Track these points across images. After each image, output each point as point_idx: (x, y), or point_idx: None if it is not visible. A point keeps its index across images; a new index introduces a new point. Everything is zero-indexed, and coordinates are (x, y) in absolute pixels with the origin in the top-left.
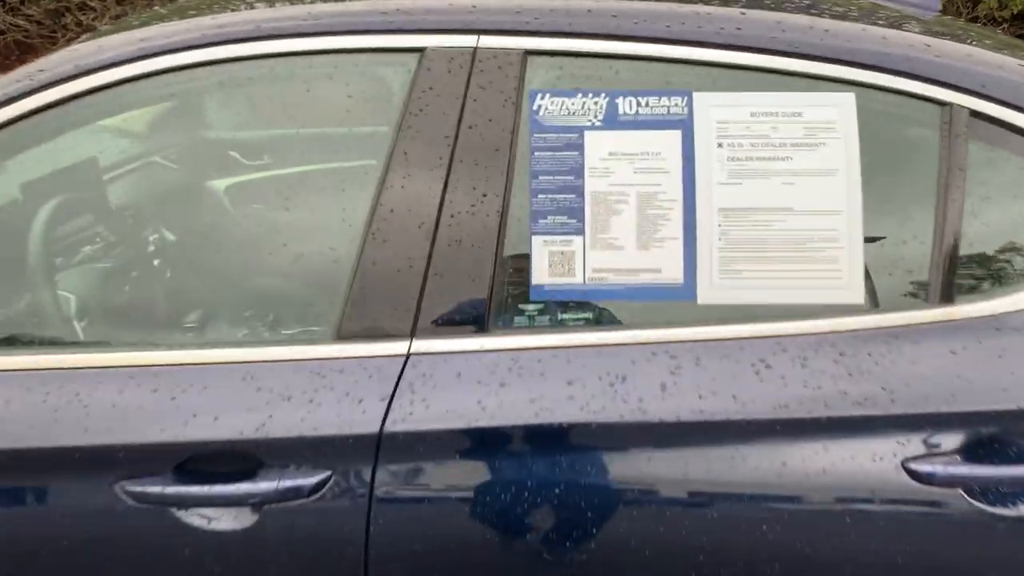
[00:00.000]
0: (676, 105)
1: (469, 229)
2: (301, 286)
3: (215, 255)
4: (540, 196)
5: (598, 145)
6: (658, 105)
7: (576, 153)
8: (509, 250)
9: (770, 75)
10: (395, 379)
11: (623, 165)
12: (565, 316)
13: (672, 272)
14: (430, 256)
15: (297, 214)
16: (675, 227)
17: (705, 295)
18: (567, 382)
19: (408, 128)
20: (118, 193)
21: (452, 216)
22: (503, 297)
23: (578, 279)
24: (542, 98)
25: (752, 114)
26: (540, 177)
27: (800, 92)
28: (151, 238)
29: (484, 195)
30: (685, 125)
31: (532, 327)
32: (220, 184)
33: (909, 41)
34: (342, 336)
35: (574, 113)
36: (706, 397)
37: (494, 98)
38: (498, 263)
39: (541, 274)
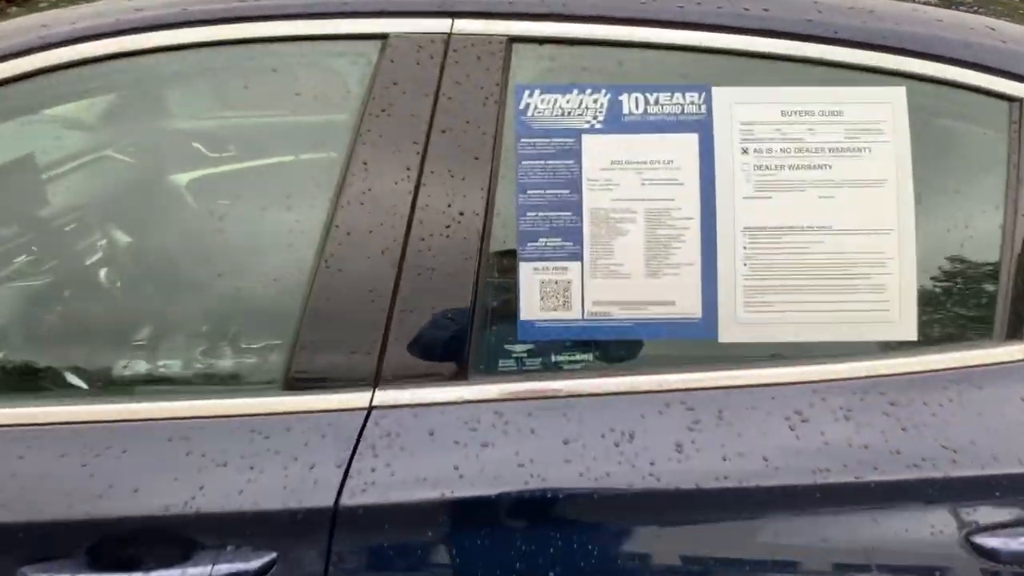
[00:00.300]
0: (692, 103)
1: (443, 254)
2: (240, 323)
3: (130, 287)
4: (529, 214)
5: (598, 152)
6: (670, 103)
7: (572, 162)
8: (492, 280)
9: (804, 66)
10: (354, 439)
11: (629, 176)
12: (560, 359)
13: (688, 305)
14: (396, 287)
15: (234, 237)
16: (691, 250)
17: (728, 332)
18: (563, 441)
19: (368, 132)
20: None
21: (423, 239)
22: (485, 336)
23: (575, 314)
24: (531, 95)
25: (783, 113)
26: (529, 191)
27: (840, 87)
28: (81, 252)
29: (461, 213)
30: (703, 127)
31: (520, 372)
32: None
33: (970, 23)
34: (290, 385)
35: (569, 113)
36: (731, 459)
37: (472, 95)
38: (479, 295)
39: (531, 308)
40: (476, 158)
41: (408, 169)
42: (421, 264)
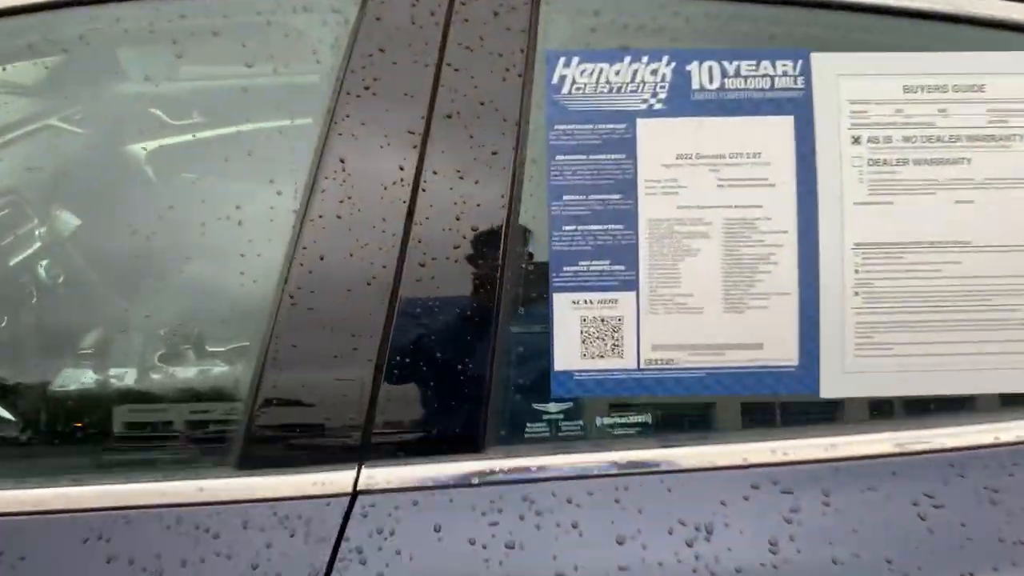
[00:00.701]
0: (785, 75)
1: (450, 283)
2: (181, 378)
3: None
4: (566, 229)
5: (660, 143)
6: (756, 75)
7: (623, 156)
8: (515, 317)
9: (933, 23)
10: (332, 538)
11: (701, 175)
12: (608, 422)
13: (780, 348)
14: (387, 328)
15: (168, 262)
16: (785, 275)
17: (833, 385)
18: (616, 539)
19: (345, 119)
20: None
21: (422, 264)
22: (506, 392)
23: (629, 361)
24: (566, 65)
25: (907, 89)
26: (565, 198)
27: (983, 51)
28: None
29: (474, 229)
30: (799, 108)
31: (555, 441)
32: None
33: None
34: (246, 462)
35: (620, 89)
36: (844, 561)
37: (487, 65)
38: (497, 338)
39: (569, 355)
40: (493, 153)
41: (401, 169)
42: (420, 297)
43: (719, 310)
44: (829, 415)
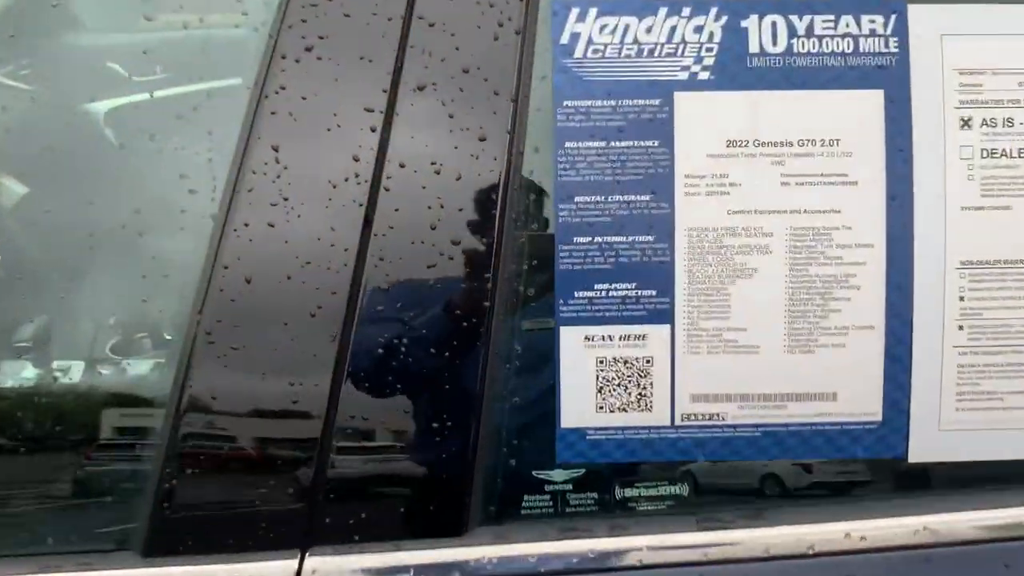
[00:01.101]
0: (873, 34)
1: (421, 308)
2: (70, 443)
3: None
4: (577, 241)
5: (704, 125)
6: (834, 34)
7: (655, 143)
8: (509, 358)
9: None
10: None
11: (760, 170)
12: (632, 495)
13: (859, 399)
14: (339, 376)
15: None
16: (868, 304)
17: (927, 445)
18: None
19: (279, 92)
20: None
21: (385, 290)
22: (498, 456)
23: (660, 416)
24: (580, 18)
25: None
26: (576, 199)
27: None
28: None
29: (455, 244)
30: (892, 79)
31: (561, 521)
32: None
33: None
34: (155, 548)
35: (652, 52)
36: None
37: (472, 18)
38: (486, 385)
39: (580, 407)
40: (481, 139)
41: (356, 161)
42: (382, 332)
43: (780, 349)
44: (921, 485)
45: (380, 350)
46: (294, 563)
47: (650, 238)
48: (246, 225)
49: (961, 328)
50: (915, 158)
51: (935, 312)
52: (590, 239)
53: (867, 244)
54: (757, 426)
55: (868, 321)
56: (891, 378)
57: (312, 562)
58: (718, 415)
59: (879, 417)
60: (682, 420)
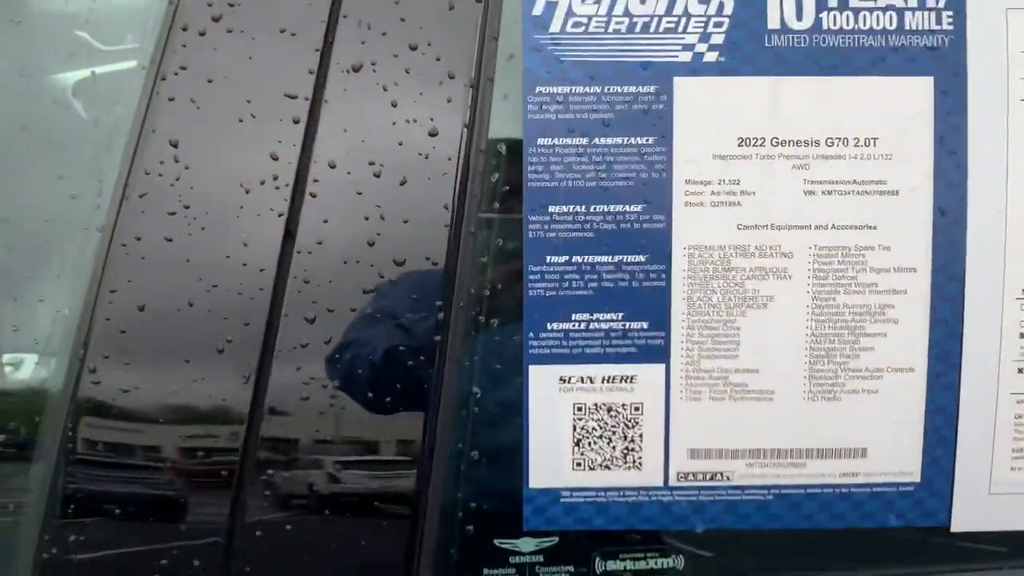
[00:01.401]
0: (921, 7)
1: (356, 350)
2: None
3: None
4: (551, 261)
5: (711, 119)
6: (873, 7)
7: (650, 140)
8: (464, 403)
9: None
10: None
11: (779, 174)
12: (615, 568)
13: (894, 455)
14: (254, 422)
15: None
16: (907, 340)
17: (974, 512)
18: None
19: (179, 74)
20: None
21: (311, 320)
22: (451, 522)
23: (652, 475)
24: None
25: None
26: (551, 208)
27: None
28: None
29: (398, 264)
30: (944, 64)
31: None
32: None
33: None
34: None
35: (646, 27)
36: None
37: None
38: (437, 435)
39: (553, 463)
40: (432, 134)
41: (275, 160)
42: (306, 367)
43: (800, 396)
44: (966, 558)
45: (305, 395)
46: None
47: (642, 258)
48: (138, 239)
49: (1021, 371)
50: (971, 163)
51: (990, 352)
52: (567, 259)
53: (908, 268)
54: (770, 488)
55: (907, 362)
56: (933, 431)
57: None
58: (722, 474)
59: (917, 478)
60: (678, 480)
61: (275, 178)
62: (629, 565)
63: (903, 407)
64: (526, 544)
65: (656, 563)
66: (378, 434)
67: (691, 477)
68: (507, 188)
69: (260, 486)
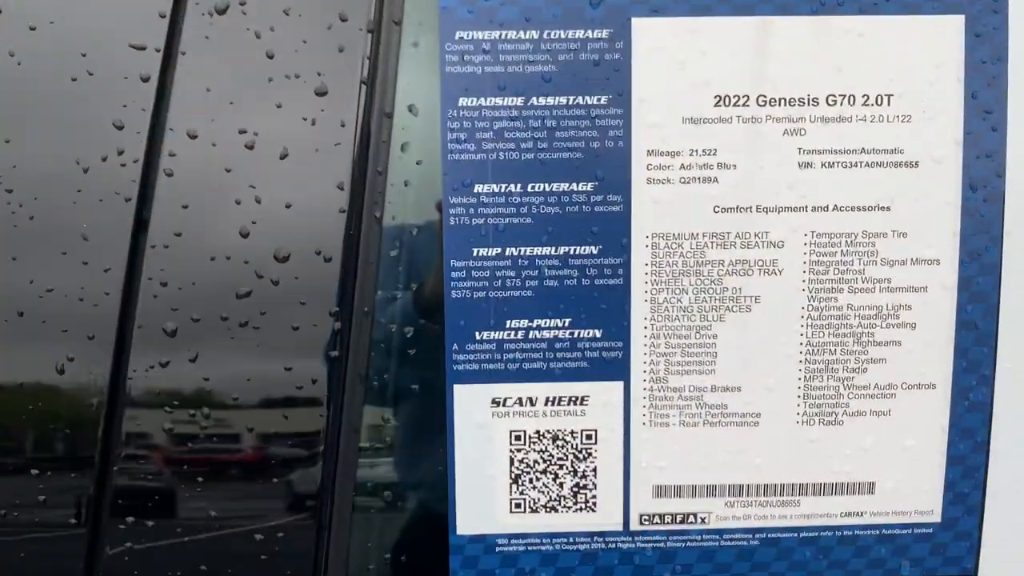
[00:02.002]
0: None
1: (237, 365)
2: None
3: None
4: (478, 253)
5: (678, 72)
6: None
7: (601, 101)
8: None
9: None
10: None
11: (767, 143)
12: None
13: (908, 490)
14: (108, 454)
15: None
16: (929, 350)
17: (1009, 556)
18: None
19: None
20: None
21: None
22: (363, 570)
23: (608, 517)
24: None
25: None
26: (477, 188)
27: None
28: None
29: (281, 260)
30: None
31: None
32: None
33: None
34: None
35: None
36: None
37: None
38: (338, 474)
39: (485, 505)
40: (320, 93)
41: (119, 129)
42: (166, 394)
43: (792, 419)
44: None
45: (168, 429)
46: None
47: (593, 250)
48: None
49: None
50: (1011, 125)
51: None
52: (499, 251)
53: (930, 260)
54: (755, 532)
55: (926, 376)
56: (957, 460)
57: None
58: (696, 516)
59: (937, 517)
60: (641, 523)
61: (120, 153)
62: None
63: (921, 431)
64: None
65: None
66: (265, 476)
67: (657, 520)
68: (419, 162)
69: (111, 528)
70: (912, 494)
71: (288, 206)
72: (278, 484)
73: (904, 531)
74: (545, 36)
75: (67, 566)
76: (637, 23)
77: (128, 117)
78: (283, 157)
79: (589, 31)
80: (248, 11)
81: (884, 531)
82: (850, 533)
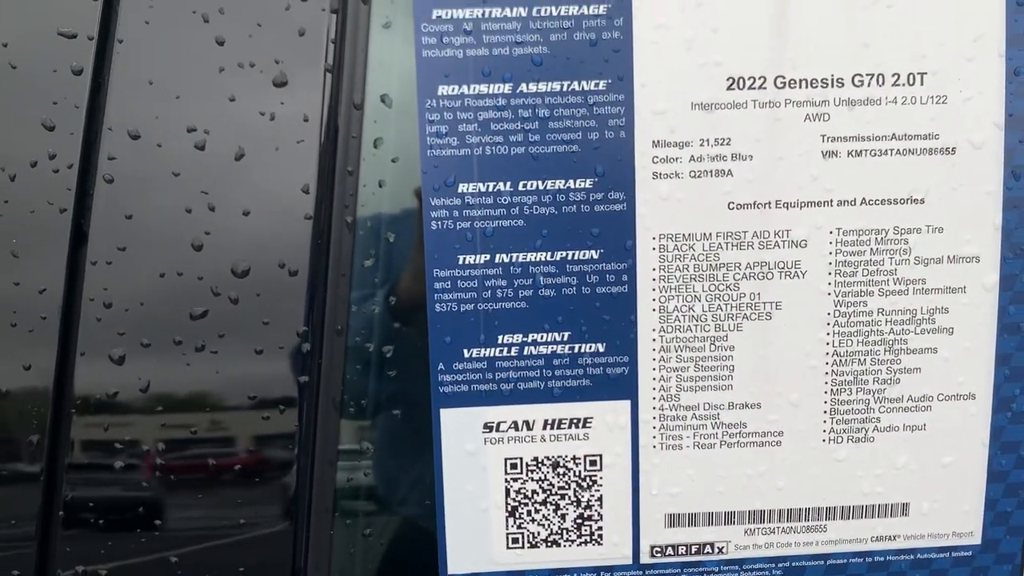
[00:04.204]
0: None
1: (194, 392)
2: None
3: None
4: (464, 260)
5: (686, 51)
6: None
7: (600, 86)
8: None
9: None
10: None
11: (784, 129)
12: None
13: (947, 511)
14: (51, 501)
15: None
16: (968, 358)
17: None
18: None
19: None
20: None
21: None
22: None
23: (618, 548)
24: None
25: None
26: (461, 187)
27: None
28: None
29: (240, 275)
30: None
31: None
32: None
33: None
34: None
35: None
36: None
37: None
38: (312, 510)
39: (479, 540)
40: (279, 83)
41: (50, 130)
42: (113, 430)
43: (819, 436)
44: None
45: (114, 466)
46: None
47: (594, 254)
48: None
49: None
50: None
51: None
52: (488, 258)
53: (969, 257)
54: (777, 560)
55: (965, 386)
56: (999, 476)
57: None
58: (713, 546)
59: (978, 539)
60: (653, 556)
61: (51, 156)
62: None
63: (959, 447)
64: None
65: None
66: (224, 516)
67: (670, 551)
68: (394, 160)
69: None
70: (950, 515)
71: (246, 213)
72: (250, 521)
73: (941, 555)
74: (535, 12)
75: None
76: (638, 7)
77: (59, 116)
78: (239, 158)
79: (584, 6)
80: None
81: (919, 556)
82: (882, 559)
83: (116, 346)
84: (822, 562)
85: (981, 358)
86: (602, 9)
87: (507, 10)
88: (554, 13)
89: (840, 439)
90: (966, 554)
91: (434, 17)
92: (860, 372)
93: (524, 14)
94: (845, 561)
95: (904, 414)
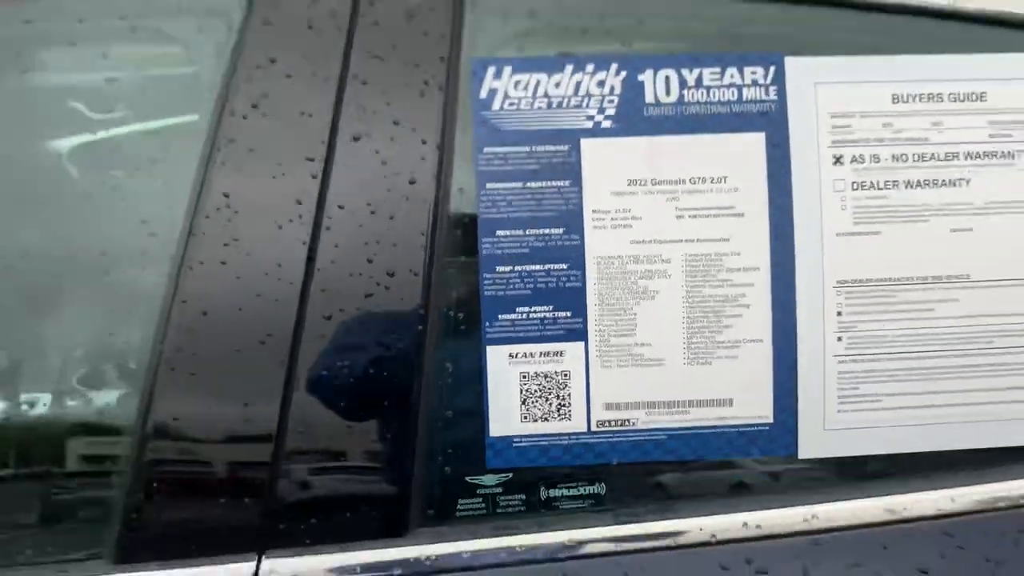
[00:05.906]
0: (755, 83)
1: (361, 341)
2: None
3: None
4: (500, 270)
5: (609, 167)
6: (721, 84)
7: (566, 183)
8: (441, 375)
9: (926, 21)
10: None
11: (657, 204)
12: (555, 495)
13: (752, 404)
14: (287, 397)
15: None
16: (757, 320)
17: (813, 443)
18: None
19: (229, 144)
20: None
21: (328, 317)
22: (434, 464)
23: (578, 423)
24: (496, 75)
25: (896, 99)
26: (497, 232)
27: (983, 54)
28: None
29: (390, 275)
30: (772, 123)
31: (493, 521)
32: None
33: None
34: (125, 555)
35: (560, 104)
36: None
37: (401, 76)
38: (422, 400)
39: (506, 418)
40: (411, 182)
41: (299, 204)
42: (325, 357)
43: (682, 362)
44: (809, 480)
45: (325, 373)
46: (252, 565)
47: (564, 266)
48: (202, 263)
49: (840, 339)
50: (794, 191)
51: (816, 326)
52: (511, 268)
53: (754, 267)
54: (664, 430)
55: (757, 335)
56: (780, 385)
57: (268, 564)
58: (629, 421)
59: (771, 420)
60: (597, 427)
61: (300, 217)
62: (565, 492)
63: (757, 368)
64: (489, 479)
65: (585, 490)
66: (379, 402)
67: (607, 424)
68: (466, 219)
69: (293, 444)
70: (755, 406)
71: (394, 245)
72: (387, 406)
73: (752, 429)
74: (533, 150)
75: None
76: (584, 142)
77: (304, 197)
78: (391, 218)
79: (557, 146)
80: (371, 138)
81: (740, 429)
82: (721, 431)
83: (327, 312)
84: (688, 432)
85: (764, 320)
86: (566, 148)
87: (519, 149)
88: (541, 150)
89: (693, 363)
90: (765, 429)
91: (485, 152)
92: (701, 327)
93: (527, 150)
94: (701, 432)
95: (726, 349)
